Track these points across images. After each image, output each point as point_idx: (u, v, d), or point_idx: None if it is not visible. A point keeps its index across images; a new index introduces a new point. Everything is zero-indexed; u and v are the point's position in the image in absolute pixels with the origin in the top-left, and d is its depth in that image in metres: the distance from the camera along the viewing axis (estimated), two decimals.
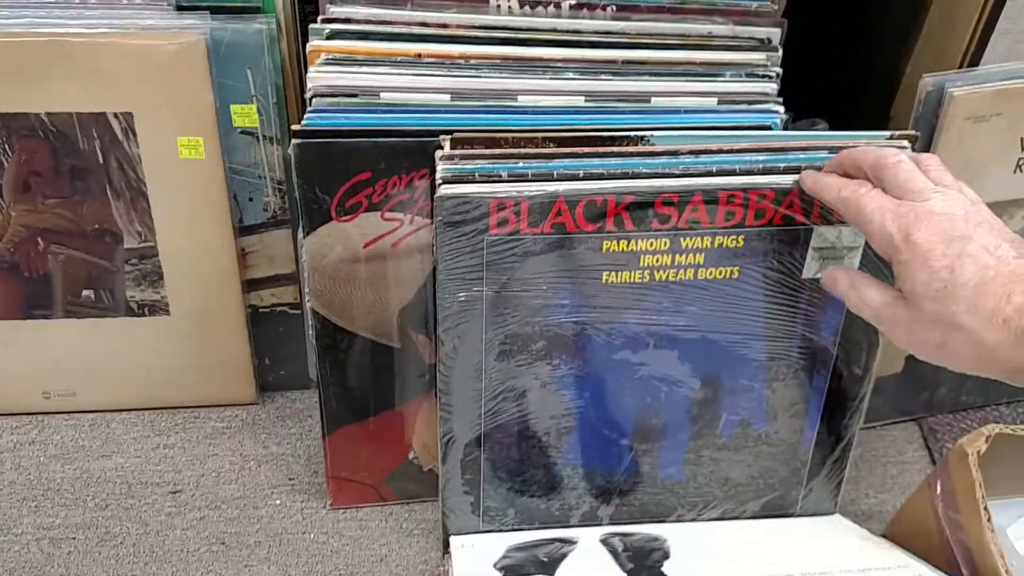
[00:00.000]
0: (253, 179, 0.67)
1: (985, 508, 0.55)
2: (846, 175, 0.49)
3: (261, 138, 0.65)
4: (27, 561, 0.63)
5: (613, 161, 0.52)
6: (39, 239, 0.67)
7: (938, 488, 0.59)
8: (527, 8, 0.60)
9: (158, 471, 0.70)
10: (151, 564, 0.63)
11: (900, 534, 0.63)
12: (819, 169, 0.51)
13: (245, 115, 0.64)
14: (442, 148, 0.53)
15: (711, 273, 0.55)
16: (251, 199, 0.68)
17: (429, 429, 0.65)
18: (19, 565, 0.63)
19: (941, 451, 0.74)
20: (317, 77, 0.56)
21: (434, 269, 0.56)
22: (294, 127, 0.54)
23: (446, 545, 0.63)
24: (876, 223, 0.44)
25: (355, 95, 0.56)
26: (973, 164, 0.62)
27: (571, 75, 0.58)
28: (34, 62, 0.60)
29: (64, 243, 0.67)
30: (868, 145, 0.53)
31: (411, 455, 0.67)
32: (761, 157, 0.53)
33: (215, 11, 0.61)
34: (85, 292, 0.69)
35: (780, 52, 0.61)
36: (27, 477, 0.70)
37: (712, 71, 0.59)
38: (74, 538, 0.65)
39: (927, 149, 0.61)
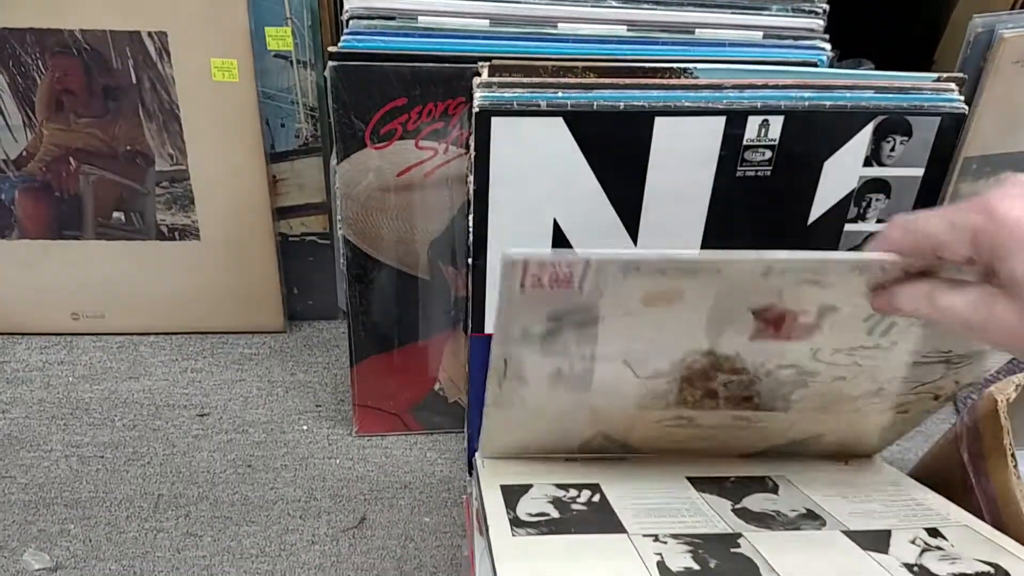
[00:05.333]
0: (285, 105, 0.66)
1: (1012, 455, 0.55)
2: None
3: (295, 62, 0.65)
4: (56, 477, 0.64)
5: (655, 93, 0.51)
6: (71, 159, 0.67)
7: (964, 436, 0.59)
8: None
9: (185, 394, 0.71)
10: (178, 484, 0.64)
11: (924, 481, 0.63)
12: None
13: (279, 38, 0.63)
14: (480, 75, 0.52)
15: None
16: (283, 125, 0.67)
17: (455, 362, 0.65)
18: (48, 480, 0.64)
19: (966, 402, 0.73)
20: None
21: (465, 201, 0.56)
22: (330, 49, 0.53)
23: (471, 467, 0.63)
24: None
25: (392, 18, 0.55)
26: (1020, 110, 0.60)
27: (613, 3, 0.57)
28: None
29: (96, 163, 0.67)
30: (915, 86, 0.52)
31: (437, 387, 0.67)
32: (807, 94, 0.52)
33: None
34: (116, 214, 0.69)
35: None
36: (56, 396, 0.70)
37: (758, 4, 0.58)
38: (102, 456, 0.66)
39: (974, 92, 0.59)
